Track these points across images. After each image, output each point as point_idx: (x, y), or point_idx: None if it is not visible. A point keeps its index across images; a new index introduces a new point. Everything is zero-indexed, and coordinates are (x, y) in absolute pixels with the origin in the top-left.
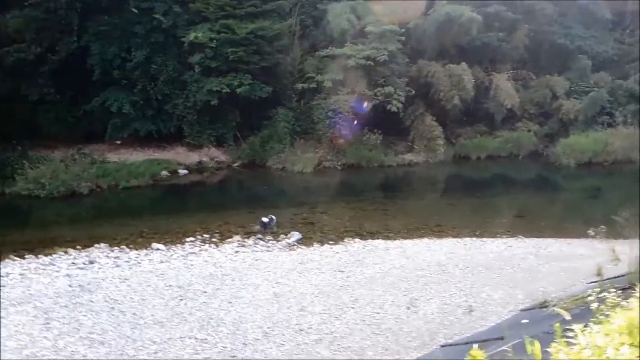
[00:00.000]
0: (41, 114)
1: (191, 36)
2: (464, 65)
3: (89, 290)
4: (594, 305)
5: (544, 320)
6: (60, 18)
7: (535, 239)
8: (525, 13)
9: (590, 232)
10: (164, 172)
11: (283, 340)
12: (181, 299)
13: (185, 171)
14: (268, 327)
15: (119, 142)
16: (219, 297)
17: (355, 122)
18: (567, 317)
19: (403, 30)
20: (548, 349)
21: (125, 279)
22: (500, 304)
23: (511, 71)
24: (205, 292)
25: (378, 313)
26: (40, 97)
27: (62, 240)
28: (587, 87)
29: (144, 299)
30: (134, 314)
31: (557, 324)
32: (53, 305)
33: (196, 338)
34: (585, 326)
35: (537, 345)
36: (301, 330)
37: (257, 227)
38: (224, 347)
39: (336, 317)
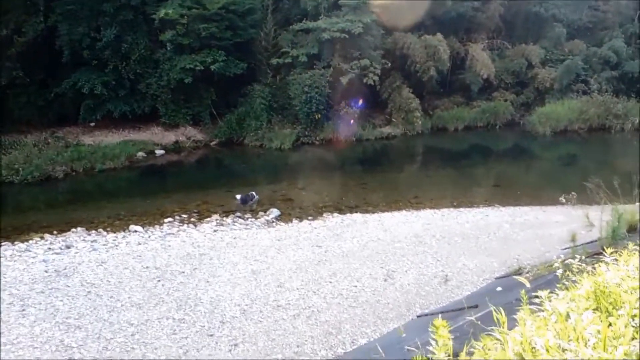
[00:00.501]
0: (11, 98)
1: (161, 13)
2: (439, 36)
3: (65, 275)
4: (559, 272)
5: (517, 288)
6: None
7: (512, 208)
8: None
9: (562, 199)
10: (140, 153)
11: (261, 317)
12: (159, 280)
13: (162, 151)
14: (246, 305)
15: (92, 124)
16: (196, 276)
17: (332, 95)
18: (527, 284)
19: (378, 2)
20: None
21: (102, 263)
22: (476, 272)
23: (487, 41)
24: (183, 272)
25: (355, 286)
26: (10, 81)
27: (37, 226)
28: (562, 55)
29: (121, 282)
30: (111, 297)
31: (523, 292)
32: (29, 291)
33: (174, 318)
34: (551, 292)
35: (503, 314)
36: (279, 306)
37: (237, 203)
38: (201, 326)
39: (314, 292)
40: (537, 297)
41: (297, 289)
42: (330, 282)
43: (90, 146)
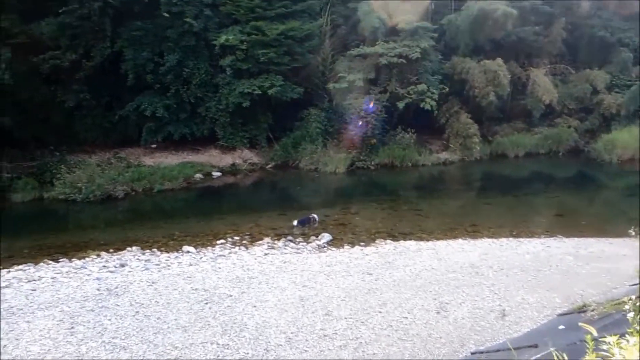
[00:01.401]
0: (78, 119)
1: (222, 39)
2: (499, 60)
3: (116, 294)
4: (630, 315)
5: (581, 327)
6: (94, 24)
7: (575, 239)
8: (562, 6)
9: (631, 231)
10: (198, 175)
11: (306, 347)
12: (206, 303)
13: (219, 173)
14: (292, 333)
15: (154, 145)
16: (244, 300)
17: (388, 120)
18: (594, 332)
19: (435, 26)
20: None
21: (153, 283)
22: (536, 308)
23: (549, 66)
24: (231, 295)
25: (406, 318)
26: (77, 103)
27: (95, 244)
28: (629, 80)
29: (169, 303)
30: (158, 318)
31: (589, 337)
32: (80, 309)
33: (218, 343)
34: (621, 336)
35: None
36: (325, 335)
37: (296, 226)
38: (245, 353)
39: (362, 322)
40: (604, 340)
41: (345, 318)
42: (380, 312)
43: (150, 167)
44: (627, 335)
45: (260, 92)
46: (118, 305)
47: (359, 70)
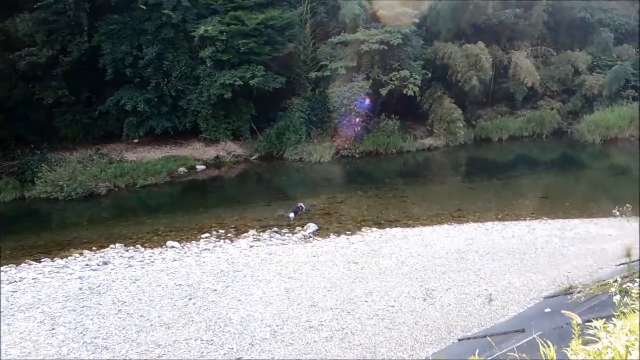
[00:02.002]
0: (57, 116)
1: (201, 30)
2: (481, 44)
3: (99, 293)
4: (617, 298)
5: (567, 308)
6: (70, 19)
7: (560, 220)
8: None
9: (615, 211)
10: (182, 169)
11: (292, 339)
12: (190, 299)
13: (203, 166)
14: (277, 326)
15: (136, 140)
16: (228, 295)
17: (372, 108)
18: (578, 320)
19: (416, 12)
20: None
21: (136, 280)
22: (522, 291)
23: (530, 48)
24: (215, 290)
25: (392, 306)
26: (55, 100)
27: (78, 242)
28: (610, 60)
29: (152, 300)
30: (141, 316)
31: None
32: (61, 309)
33: (202, 339)
34: (607, 320)
35: (551, 346)
36: (311, 327)
37: (290, 214)
38: (230, 348)
39: (348, 312)
40: (590, 323)
41: (331, 308)
42: (366, 301)
43: (133, 162)
44: (613, 319)
45: (241, 83)
46: (100, 304)
47: (341, 58)
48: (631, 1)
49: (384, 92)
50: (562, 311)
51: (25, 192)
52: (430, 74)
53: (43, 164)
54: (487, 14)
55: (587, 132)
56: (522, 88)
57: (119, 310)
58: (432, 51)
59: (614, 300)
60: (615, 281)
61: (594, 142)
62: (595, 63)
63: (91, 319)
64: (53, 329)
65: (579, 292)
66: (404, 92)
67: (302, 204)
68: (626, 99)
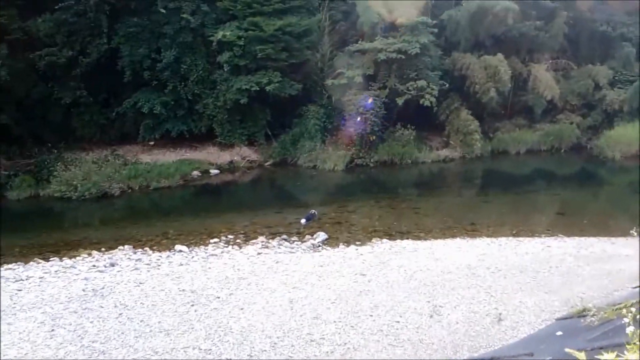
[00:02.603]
0: (75, 116)
1: (219, 35)
2: (500, 56)
3: (102, 295)
4: (630, 329)
5: (580, 333)
6: (90, 21)
7: (577, 238)
8: (563, 1)
9: (633, 231)
10: (195, 172)
11: (291, 352)
12: (192, 305)
13: (217, 171)
14: (277, 337)
15: (152, 143)
16: (231, 302)
17: (387, 117)
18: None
19: (435, 22)
20: None
21: (140, 283)
22: (534, 311)
23: (550, 61)
24: (219, 297)
25: (398, 322)
26: (74, 100)
27: (88, 242)
28: (632, 75)
29: (154, 305)
30: (141, 320)
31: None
32: (62, 310)
33: (200, 348)
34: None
35: None
36: (312, 340)
37: (302, 220)
38: (228, 358)
39: (352, 326)
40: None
41: (334, 321)
42: (371, 315)
43: (147, 164)
44: (626, 352)
45: (258, 89)
46: (102, 307)
47: (358, 67)
48: None
49: (400, 101)
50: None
51: (40, 191)
52: (447, 85)
53: (59, 163)
54: (507, 25)
55: (607, 147)
56: (541, 101)
57: (120, 314)
58: (450, 62)
59: (627, 332)
60: (631, 306)
61: (614, 159)
62: (616, 78)
63: (91, 322)
64: (52, 330)
65: (592, 315)
66: (421, 102)
67: (315, 211)
68: None
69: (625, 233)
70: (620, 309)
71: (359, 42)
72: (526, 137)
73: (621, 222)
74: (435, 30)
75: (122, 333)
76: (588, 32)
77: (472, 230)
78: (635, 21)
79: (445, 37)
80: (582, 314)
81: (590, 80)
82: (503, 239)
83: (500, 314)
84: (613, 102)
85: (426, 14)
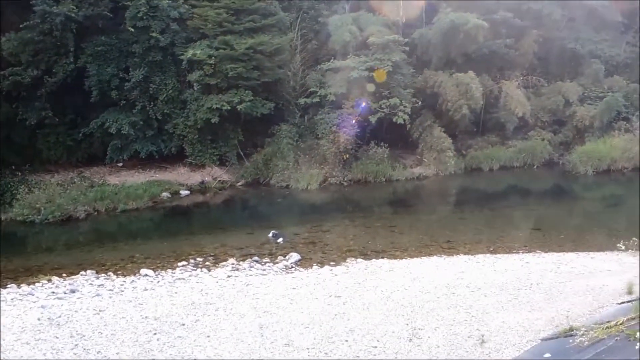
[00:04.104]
0: (40, 138)
1: (189, 53)
2: (471, 73)
3: (58, 324)
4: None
5: (570, 355)
6: (56, 39)
7: (555, 254)
8: (533, 19)
9: (621, 245)
10: (165, 194)
11: None
12: (154, 334)
13: (187, 192)
14: None
15: (120, 164)
16: (197, 330)
17: (360, 135)
18: None
19: (407, 40)
20: None
21: (100, 310)
22: (518, 332)
23: (521, 78)
24: (183, 324)
25: (375, 347)
26: (39, 121)
27: (49, 268)
28: (601, 92)
29: (114, 334)
30: (99, 352)
31: None
32: (14, 342)
33: None
34: None
35: None
36: None
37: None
38: None
39: (326, 354)
40: None
41: (307, 348)
42: (346, 340)
43: (115, 186)
44: None
45: (229, 108)
46: (57, 337)
47: (331, 85)
48: (621, 33)
49: (373, 119)
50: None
51: (2, 215)
52: (420, 103)
53: (22, 186)
54: (478, 43)
55: (579, 163)
56: (513, 118)
57: (76, 345)
58: (422, 79)
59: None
60: (621, 324)
61: (586, 174)
62: (586, 94)
63: (44, 354)
64: None
65: (582, 334)
66: (394, 120)
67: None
68: (618, 130)
69: (603, 247)
70: (611, 327)
71: (331, 60)
72: (499, 153)
73: (598, 236)
74: (407, 48)
75: None
76: (557, 49)
77: (448, 247)
78: (603, 38)
79: (417, 55)
80: (568, 333)
81: (560, 96)
82: (481, 256)
83: (482, 335)
84: (583, 118)
85: (397, 33)
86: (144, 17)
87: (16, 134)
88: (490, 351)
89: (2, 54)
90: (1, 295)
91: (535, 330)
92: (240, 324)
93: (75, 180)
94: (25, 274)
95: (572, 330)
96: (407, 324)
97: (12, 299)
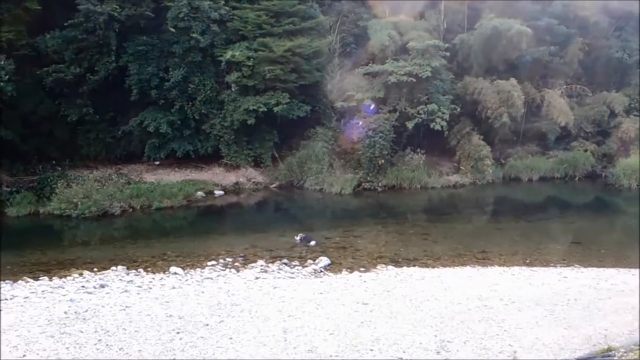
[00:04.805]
0: (81, 134)
1: (228, 55)
2: (513, 81)
3: (83, 319)
4: None
5: None
6: (99, 38)
7: (595, 269)
8: (579, 26)
9: None
10: (200, 193)
11: None
12: (177, 332)
13: (221, 192)
14: None
15: (157, 162)
16: (220, 331)
17: (397, 141)
18: None
19: (448, 45)
20: None
21: (127, 307)
22: (552, 349)
23: (565, 87)
24: (207, 324)
25: (401, 358)
26: (80, 118)
27: (81, 262)
28: None
29: (137, 331)
30: (121, 348)
31: None
32: (39, 334)
33: None
34: None
35: None
36: None
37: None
38: None
39: None
40: None
41: (331, 356)
42: (372, 350)
43: (151, 184)
44: None
45: (265, 110)
46: (81, 332)
47: (368, 89)
48: None
49: (410, 125)
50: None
51: (40, 208)
52: (459, 109)
53: (61, 181)
54: (521, 50)
55: (623, 176)
56: (555, 128)
57: (99, 340)
58: (462, 86)
59: None
60: None
61: (630, 187)
62: (632, 105)
63: (67, 348)
64: (24, 355)
65: (620, 356)
66: (431, 126)
67: (304, 236)
68: None
69: None
70: None
71: (370, 64)
72: (539, 164)
73: None
74: (447, 54)
75: None
76: (603, 58)
77: (483, 258)
78: None
79: (458, 62)
80: (606, 353)
81: (605, 107)
82: (516, 269)
83: (515, 352)
84: (629, 130)
85: (438, 38)
86: (185, 18)
87: (58, 129)
88: None
89: (46, 52)
90: (15, 290)
91: (571, 349)
92: (264, 327)
93: (112, 176)
94: (58, 267)
95: (610, 351)
96: (436, 336)
97: (42, 291)
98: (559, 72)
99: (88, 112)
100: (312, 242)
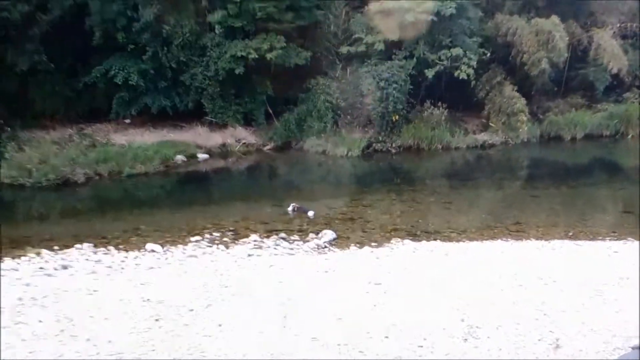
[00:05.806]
0: (33, 87)
1: None
2: (555, 19)
3: (42, 306)
4: None
5: None
6: None
7: None
8: None
9: None
10: (179, 157)
11: None
12: (156, 320)
13: (206, 156)
14: None
15: (127, 120)
16: (207, 317)
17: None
18: None
19: None
20: None
21: (94, 291)
22: (602, 336)
23: (618, 25)
24: (192, 309)
25: (421, 346)
26: (31, 67)
27: (38, 239)
28: None
29: (107, 319)
30: (88, 339)
31: None
32: None
33: None
34: None
35: None
36: None
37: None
38: None
39: (360, 351)
40: None
41: (338, 345)
42: (387, 337)
43: (121, 146)
44: None
45: (257, 56)
46: (40, 321)
47: (379, 31)
48: None
49: (430, 74)
50: None
51: None
52: (489, 54)
53: (11, 143)
54: None
55: None
56: (605, 76)
57: (62, 331)
58: (492, 26)
59: None
60: None
61: None
62: None
63: (23, 340)
64: None
65: None
66: (455, 75)
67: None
68: None
69: None
70: None
71: (381, 1)
72: (584, 119)
73: None
74: None
75: (60, 356)
76: None
77: (517, 230)
78: None
79: None
80: None
81: None
82: (557, 242)
83: (557, 339)
84: None
85: None
86: None
87: (4, 82)
88: (565, 357)
89: None
90: None
91: (624, 336)
92: (260, 312)
93: (74, 138)
94: (10, 246)
95: None
96: (463, 320)
97: None
98: (611, 9)
99: (41, 60)
100: (310, 213)
